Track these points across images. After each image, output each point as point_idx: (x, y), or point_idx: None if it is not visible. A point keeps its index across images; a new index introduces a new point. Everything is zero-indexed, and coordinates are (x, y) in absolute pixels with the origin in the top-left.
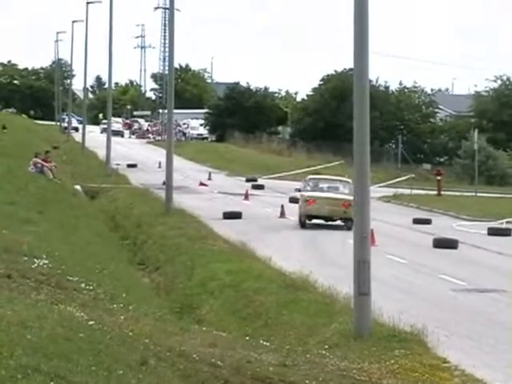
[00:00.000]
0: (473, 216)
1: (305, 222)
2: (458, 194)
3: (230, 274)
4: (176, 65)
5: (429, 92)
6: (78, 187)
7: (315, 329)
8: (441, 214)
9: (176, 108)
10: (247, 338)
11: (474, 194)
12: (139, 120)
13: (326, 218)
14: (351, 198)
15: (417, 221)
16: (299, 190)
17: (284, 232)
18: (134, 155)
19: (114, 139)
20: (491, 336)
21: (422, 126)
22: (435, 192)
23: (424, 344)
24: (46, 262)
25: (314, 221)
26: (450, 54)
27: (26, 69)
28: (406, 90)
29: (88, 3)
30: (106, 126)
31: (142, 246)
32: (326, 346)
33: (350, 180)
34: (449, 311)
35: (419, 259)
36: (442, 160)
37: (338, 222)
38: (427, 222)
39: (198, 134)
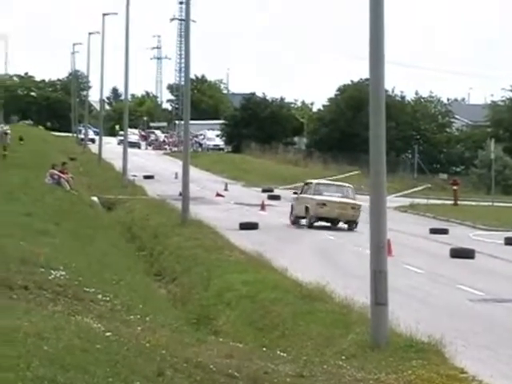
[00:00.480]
0: (490, 226)
1: (313, 224)
2: (474, 203)
3: (246, 285)
4: (192, 76)
5: (445, 102)
6: (94, 198)
7: (332, 339)
8: (457, 223)
9: (192, 119)
10: (264, 348)
11: (490, 203)
12: (155, 131)
13: (334, 220)
14: (357, 201)
15: (433, 231)
16: (295, 193)
17: (300, 242)
18: (151, 166)
19: (130, 151)
20: (509, 346)
21: (438, 135)
22: (452, 202)
23: (441, 354)
24: (63, 273)
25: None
26: (466, 63)
27: (43, 80)
28: (422, 100)
29: (104, 15)
30: (122, 138)
31: (158, 257)
32: (343, 357)
33: (351, 185)
34: (466, 321)
35: (436, 269)
36: (458, 170)
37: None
38: (444, 231)
39: (215, 145)
